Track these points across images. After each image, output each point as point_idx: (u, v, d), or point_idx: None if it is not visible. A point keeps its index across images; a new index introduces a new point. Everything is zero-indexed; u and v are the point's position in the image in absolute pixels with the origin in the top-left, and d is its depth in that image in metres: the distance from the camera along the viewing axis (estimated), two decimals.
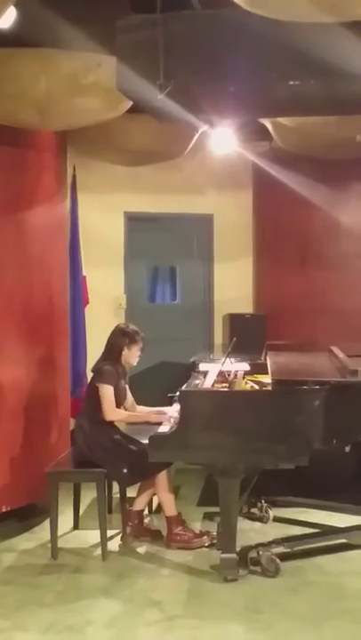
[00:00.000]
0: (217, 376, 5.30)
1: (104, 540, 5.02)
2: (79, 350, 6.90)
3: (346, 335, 6.69)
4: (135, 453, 5.10)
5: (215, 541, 5.07)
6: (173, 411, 5.21)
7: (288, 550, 4.84)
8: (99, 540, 5.05)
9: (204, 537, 5.16)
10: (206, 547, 5.11)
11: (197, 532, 5.23)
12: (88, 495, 5.71)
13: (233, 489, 4.66)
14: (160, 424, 5.16)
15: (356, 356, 5.35)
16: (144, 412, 5.47)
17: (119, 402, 5.26)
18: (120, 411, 5.27)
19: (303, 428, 4.57)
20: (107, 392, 5.15)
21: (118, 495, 5.47)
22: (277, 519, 5.64)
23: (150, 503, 5.66)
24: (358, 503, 5.54)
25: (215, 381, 5.22)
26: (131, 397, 5.48)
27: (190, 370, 6.05)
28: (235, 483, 4.66)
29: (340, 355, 5.48)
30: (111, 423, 5.23)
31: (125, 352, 5.33)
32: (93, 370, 5.33)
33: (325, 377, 4.84)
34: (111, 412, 5.16)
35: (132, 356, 5.37)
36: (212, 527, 5.29)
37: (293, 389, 4.64)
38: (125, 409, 5.38)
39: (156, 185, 7.67)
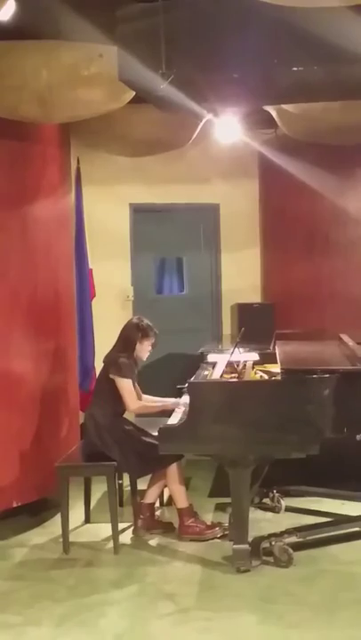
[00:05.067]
0: (226, 366, 5.28)
1: (115, 533, 5.01)
2: (87, 344, 6.88)
3: (355, 323, 6.65)
4: (146, 445, 5.09)
5: (227, 532, 5.07)
6: (182, 401, 5.21)
7: (301, 540, 4.82)
8: (110, 533, 5.03)
9: (217, 528, 5.15)
10: (218, 538, 5.10)
11: (209, 523, 5.22)
12: (99, 489, 5.70)
13: (244, 479, 4.64)
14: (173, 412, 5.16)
15: None
16: (149, 400, 5.46)
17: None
18: (140, 402, 5.30)
19: (314, 417, 4.54)
20: (126, 385, 5.16)
21: (129, 488, 5.47)
22: (290, 509, 5.62)
23: (161, 495, 5.64)
24: None
25: (224, 372, 5.20)
26: (138, 390, 5.45)
27: (199, 361, 6.02)
28: (246, 473, 4.64)
29: (350, 342, 5.45)
30: (122, 414, 5.23)
31: (137, 346, 5.32)
32: (106, 360, 5.31)
33: (335, 365, 4.80)
34: (133, 403, 5.19)
35: (143, 351, 5.37)
36: (224, 518, 5.28)
37: (303, 378, 4.60)
38: None
39: (161, 175, 7.63)
